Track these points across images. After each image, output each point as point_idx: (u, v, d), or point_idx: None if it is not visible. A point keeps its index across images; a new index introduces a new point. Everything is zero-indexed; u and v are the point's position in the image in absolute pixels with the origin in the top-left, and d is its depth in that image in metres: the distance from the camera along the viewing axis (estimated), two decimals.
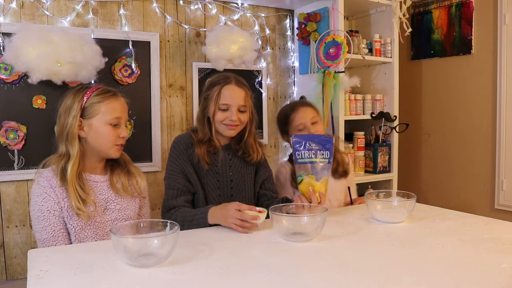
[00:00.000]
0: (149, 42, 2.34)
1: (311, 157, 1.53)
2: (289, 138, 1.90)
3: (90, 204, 1.44)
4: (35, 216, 1.42)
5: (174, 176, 1.62)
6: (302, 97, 2.75)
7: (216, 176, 1.66)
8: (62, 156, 1.47)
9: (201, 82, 2.50)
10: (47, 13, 2.11)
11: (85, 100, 1.47)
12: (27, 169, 2.05)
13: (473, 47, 2.67)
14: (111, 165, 1.58)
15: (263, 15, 2.72)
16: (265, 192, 1.75)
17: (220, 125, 1.63)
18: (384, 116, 2.64)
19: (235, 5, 2.60)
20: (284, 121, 1.90)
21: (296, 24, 2.77)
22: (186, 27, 2.47)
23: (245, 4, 2.64)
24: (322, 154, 1.53)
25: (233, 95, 1.62)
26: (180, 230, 1.47)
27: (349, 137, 2.75)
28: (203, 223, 1.46)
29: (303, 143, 1.55)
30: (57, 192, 1.42)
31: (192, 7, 2.49)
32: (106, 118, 1.48)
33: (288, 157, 2.09)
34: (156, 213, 2.33)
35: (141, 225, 1.17)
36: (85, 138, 1.48)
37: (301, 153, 1.54)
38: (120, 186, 1.55)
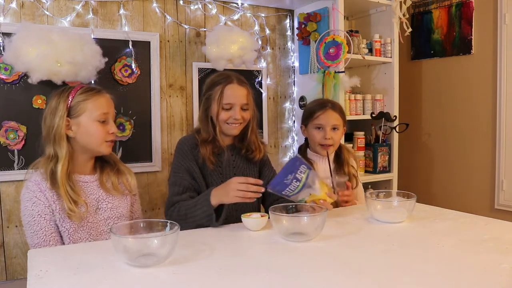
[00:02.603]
0: (149, 42, 2.33)
1: (298, 186, 1.44)
2: (305, 130, 1.91)
3: (81, 205, 1.43)
4: (26, 222, 1.41)
5: (180, 174, 1.62)
6: (302, 98, 2.75)
7: (220, 176, 1.67)
8: (50, 158, 1.45)
9: (201, 82, 2.49)
10: (47, 13, 2.11)
11: (70, 99, 1.47)
12: (27, 169, 2.03)
13: (473, 47, 2.67)
14: (101, 164, 1.58)
15: (263, 15, 2.72)
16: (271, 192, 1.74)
17: (224, 125, 1.65)
18: (384, 116, 2.64)
19: (235, 5, 2.60)
20: (308, 114, 1.90)
21: (296, 24, 2.77)
22: (186, 27, 2.47)
23: (245, 4, 2.64)
24: (301, 172, 1.45)
25: (235, 94, 1.63)
26: (185, 220, 1.46)
27: (349, 137, 2.75)
28: (207, 205, 1.44)
29: (281, 184, 1.44)
30: (47, 195, 1.40)
31: (192, 7, 2.49)
32: (93, 115, 1.47)
33: (298, 151, 2.05)
34: (156, 213, 2.33)
35: (141, 225, 1.17)
36: (74, 138, 1.47)
37: (288, 190, 1.44)
38: (110, 185, 1.55)
